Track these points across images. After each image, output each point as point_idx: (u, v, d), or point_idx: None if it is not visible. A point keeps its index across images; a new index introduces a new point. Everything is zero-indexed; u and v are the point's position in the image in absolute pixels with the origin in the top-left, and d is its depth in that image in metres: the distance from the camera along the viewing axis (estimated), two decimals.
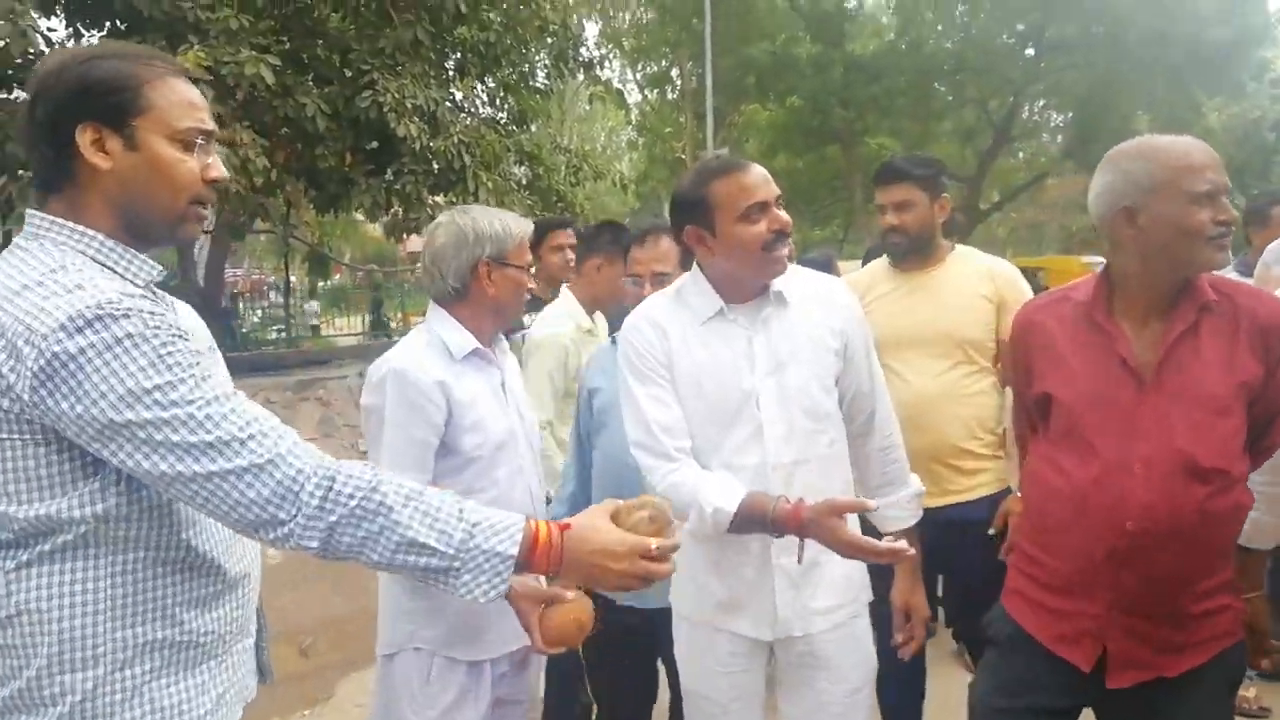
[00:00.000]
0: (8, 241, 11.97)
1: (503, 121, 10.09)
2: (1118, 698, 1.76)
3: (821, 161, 23.78)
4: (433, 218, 8.86)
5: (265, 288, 17.71)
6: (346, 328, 15.20)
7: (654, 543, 1.28)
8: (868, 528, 1.88)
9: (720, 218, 1.79)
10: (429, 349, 2.06)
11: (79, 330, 1.13)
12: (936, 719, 2.82)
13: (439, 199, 8.62)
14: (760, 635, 1.87)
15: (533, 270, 2.21)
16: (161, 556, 1.27)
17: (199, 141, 1.30)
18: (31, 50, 6.97)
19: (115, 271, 1.26)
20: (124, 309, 1.16)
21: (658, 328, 1.89)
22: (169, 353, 1.18)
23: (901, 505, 2.00)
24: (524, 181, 9.85)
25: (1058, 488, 1.78)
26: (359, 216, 13.41)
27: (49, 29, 7.55)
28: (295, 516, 1.18)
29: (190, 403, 1.16)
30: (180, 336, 1.21)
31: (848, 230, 25.16)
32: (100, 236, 1.25)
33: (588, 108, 27.43)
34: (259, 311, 14.74)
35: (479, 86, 10.15)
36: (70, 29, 8.08)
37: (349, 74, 8.12)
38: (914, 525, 2.02)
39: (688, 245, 1.89)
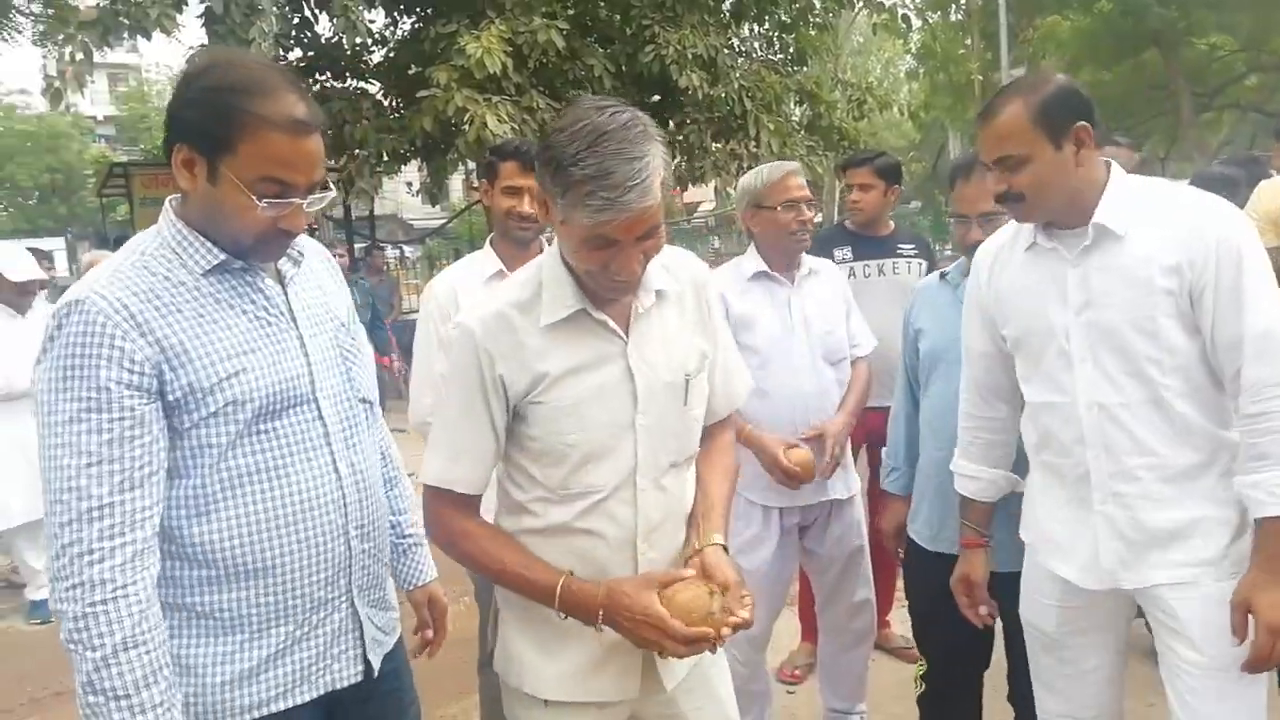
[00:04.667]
0: (348, 217, 13.35)
1: (781, 62, 9.88)
2: None
3: (1135, 71, 20.93)
4: (716, 165, 8.92)
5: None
6: None
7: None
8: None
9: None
10: None
11: None
12: None
13: (720, 146, 8.64)
14: (1083, 583, 1.73)
15: None
16: None
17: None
18: (359, 41, 7.79)
19: None
20: None
21: (985, 257, 1.88)
22: None
23: (1266, 488, 1.56)
24: (803, 122, 9.63)
25: None
26: None
27: (369, 20, 8.37)
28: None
29: None
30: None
31: (1170, 148, 22.06)
32: None
33: (860, 40, 26.03)
34: None
35: (756, 29, 9.99)
36: (389, 18, 8.92)
37: (630, 31, 8.31)
38: None
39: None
